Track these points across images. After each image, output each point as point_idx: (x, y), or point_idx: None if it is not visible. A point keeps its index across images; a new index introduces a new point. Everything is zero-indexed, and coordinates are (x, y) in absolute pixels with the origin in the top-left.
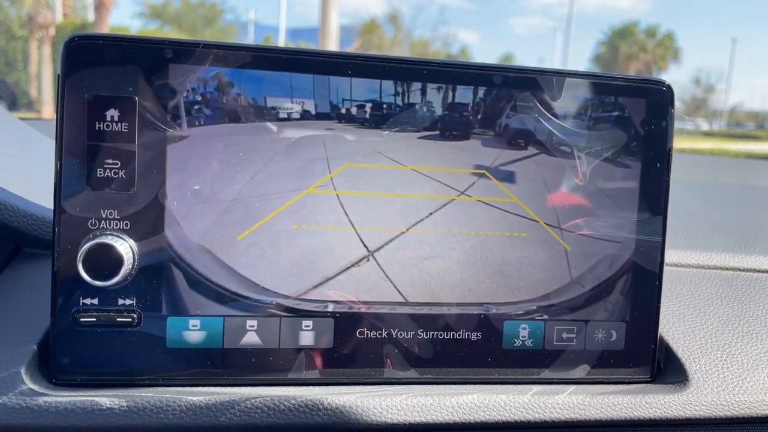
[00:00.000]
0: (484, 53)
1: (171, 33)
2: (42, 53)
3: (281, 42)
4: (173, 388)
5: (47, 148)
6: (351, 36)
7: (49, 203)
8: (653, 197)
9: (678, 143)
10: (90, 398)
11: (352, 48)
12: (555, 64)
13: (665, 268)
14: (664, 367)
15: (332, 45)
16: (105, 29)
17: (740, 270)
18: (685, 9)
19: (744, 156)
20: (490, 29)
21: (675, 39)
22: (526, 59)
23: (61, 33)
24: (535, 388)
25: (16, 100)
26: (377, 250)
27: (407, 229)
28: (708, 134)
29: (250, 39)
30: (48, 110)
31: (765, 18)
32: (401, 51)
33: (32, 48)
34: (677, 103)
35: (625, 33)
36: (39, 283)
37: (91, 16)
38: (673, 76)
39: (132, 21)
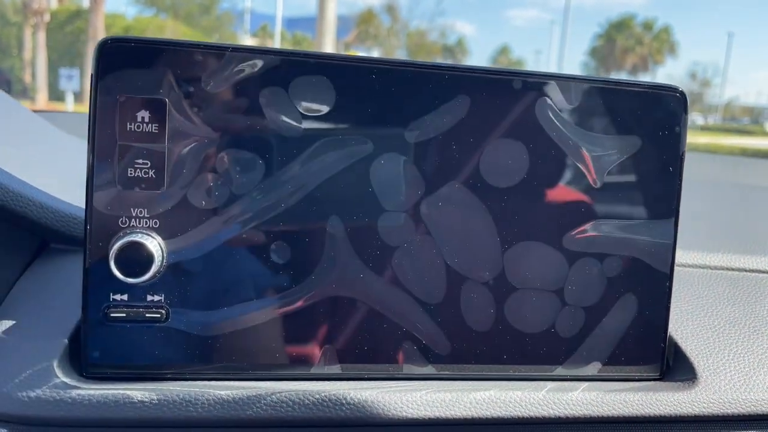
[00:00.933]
0: (481, 45)
1: (166, 21)
2: (36, 40)
3: (277, 31)
4: (201, 382)
5: (64, 142)
6: (348, 25)
7: (71, 198)
8: (665, 201)
9: None
10: (121, 391)
11: (349, 37)
12: (552, 57)
13: (676, 269)
14: (673, 366)
15: (329, 35)
16: (100, 16)
17: (746, 271)
18: (682, 2)
19: (738, 151)
20: (487, 21)
21: (671, 33)
22: (522, 51)
23: (56, 19)
24: (550, 384)
25: (10, 87)
26: (397, 248)
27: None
28: (703, 128)
29: (246, 28)
30: (42, 97)
31: (761, 13)
32: (398, 42)
33: (27, 34)
34: None
35: (621, 26)
36: (67, 278)
37: (86, 3)
38: (670, 70)
39: (127, 8)
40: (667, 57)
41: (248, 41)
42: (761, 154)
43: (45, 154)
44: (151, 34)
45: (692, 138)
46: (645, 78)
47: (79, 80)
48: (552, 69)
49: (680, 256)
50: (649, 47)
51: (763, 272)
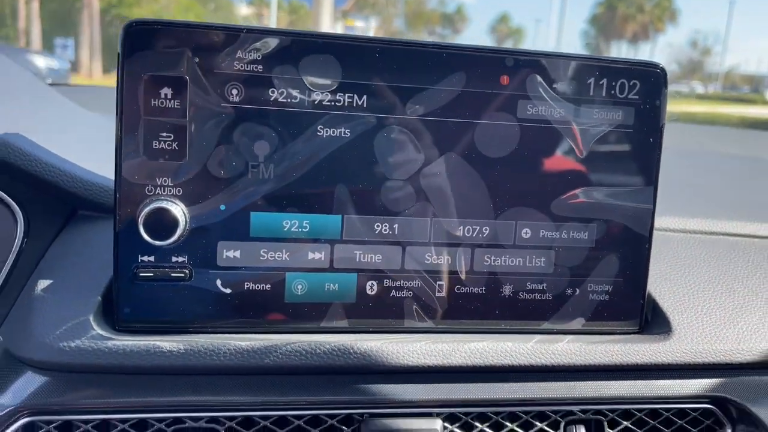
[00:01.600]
0: (481, 13)
1: None
2: (30, 9)
3: (273, 3)
4: (221, 335)
5: (77, 115)
6: None
7: (94, 169)
8: (646, 169)
9: (672, 107)
10: (151, 342)
11: (346, 6)
12: (552, 25)
13: (656, 233)
14: (651, 320)
15: (327, 3)
16: None
17: (722, 234)
18: None
19: (738, 119)
20: None
21: (673, 0)
22: (522, 19)
23: None
24: (537, 337)
25: None
26: (398, 213)
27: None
28: (703, 97)
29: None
30: None
31: None
32: (396, 10)
33: (20, 3)
34: (673, 65)
35: None
36: (96, 242)
37: None
38: (670, 38)
39: None
40: (668, 25)
41: (244, 10)
42: (761, 123)
43: (61, 126)
44: (144, 1)
45: (691, 107)
46: (646, 46)
47: (74, 50)
48: (552, 37)
49: (661, 221)
50: (650, 15)
51: (737, 236)
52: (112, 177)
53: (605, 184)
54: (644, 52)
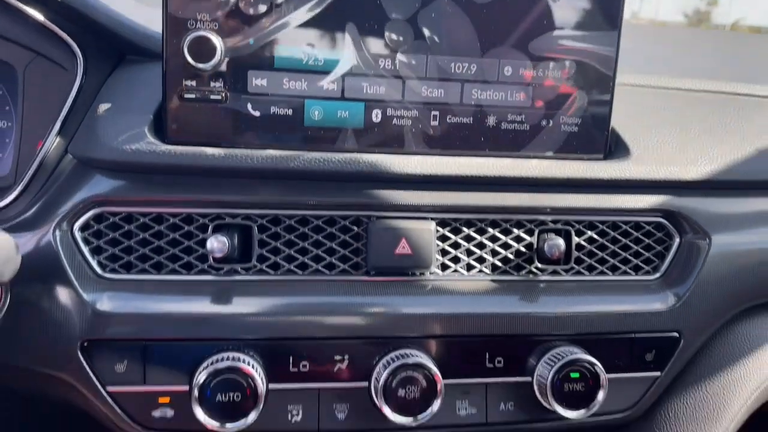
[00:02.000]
0: None
1: None
2: None
3: None
4: (253, 149)
5: None
6: None
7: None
8: (611, 16)
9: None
10: (196, 149)
11: None
12: None
13: (624, 87)
14: (614, 150)
15: None
16: None
17: (680, 90)
18: None
19: None
20: None
21: None
22: None
23: None
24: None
25: None
26: (398, 50)
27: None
28: None
29: None
30: None
31: None
32: None
33: None
34: (680, 17)
35: None
36: (143, 80)
37: None
38: None
39: None
40: None
41: None
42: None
43: None
44: None
45: None
46: None
47: None
48: None
49: (627, 77)
50: None
51: (692, 91)
52: (156, 29)
53: (576, 27)
54: (649, 3)
